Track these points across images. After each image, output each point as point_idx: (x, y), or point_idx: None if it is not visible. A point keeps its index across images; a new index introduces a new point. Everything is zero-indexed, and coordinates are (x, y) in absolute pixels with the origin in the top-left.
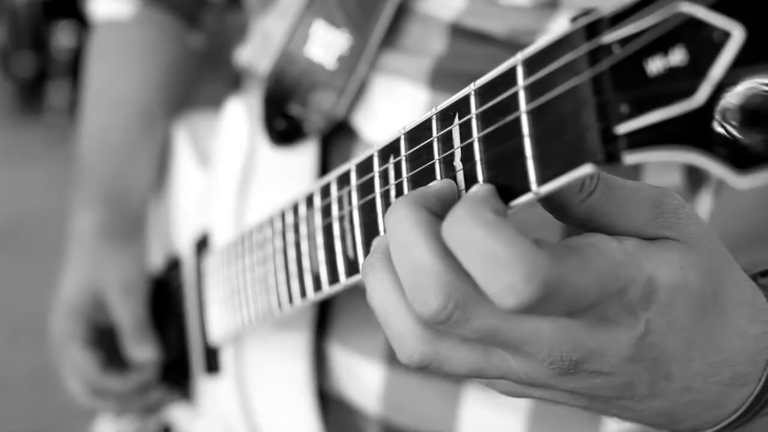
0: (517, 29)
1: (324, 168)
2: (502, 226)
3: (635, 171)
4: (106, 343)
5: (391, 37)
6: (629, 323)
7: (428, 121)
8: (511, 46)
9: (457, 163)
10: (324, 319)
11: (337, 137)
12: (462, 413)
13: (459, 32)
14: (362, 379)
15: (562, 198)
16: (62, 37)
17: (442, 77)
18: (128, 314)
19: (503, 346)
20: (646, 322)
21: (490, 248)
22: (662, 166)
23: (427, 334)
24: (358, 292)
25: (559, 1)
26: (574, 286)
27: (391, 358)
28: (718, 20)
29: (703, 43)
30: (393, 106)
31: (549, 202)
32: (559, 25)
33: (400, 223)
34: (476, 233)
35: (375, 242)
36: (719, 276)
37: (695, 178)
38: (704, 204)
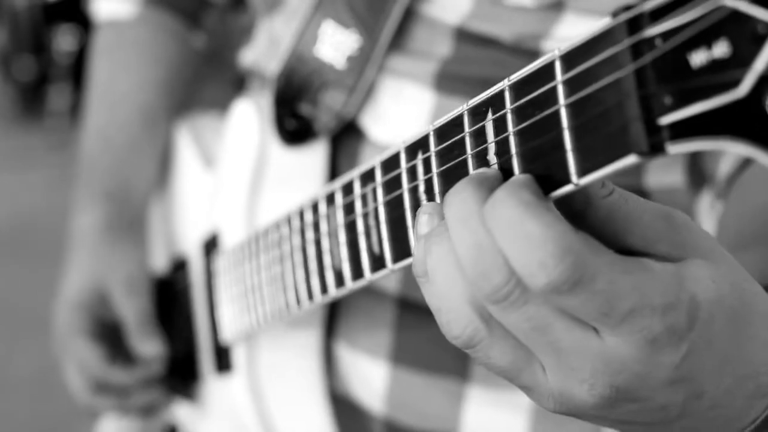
0: (523, 33)
1: (333, 167)
2: (540, 207)
3: (637, 170)
4: (109, 339)
5: (399, 39)
6: (675, 344)
7: (459, 117)
8: (517, 50)
9: (491, 157)
10: (331, 318)
11: (344, 137)
12: (465, 412)
13: (464, 36)
14: (367, 378)
15: (588, 193)
16: (63, 40)
17: (447, 80)
18: (133, 310)
19: (550, 347)
20: (689, 342)
21: (526, 227)
22: (664, 165)
23: (484, 313)
24: (365, 292)
25: (564, 1)
26: (609, 281)
27: (396, 358)
28: (761, 13)
29: (746, 35)
30: (400, 107)
31: (573, 200)
32: (564, 29)
33: (465, 202)
34: (514, 212)
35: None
36: (743, 287)
37: (697, 178)
38: (706, 204)
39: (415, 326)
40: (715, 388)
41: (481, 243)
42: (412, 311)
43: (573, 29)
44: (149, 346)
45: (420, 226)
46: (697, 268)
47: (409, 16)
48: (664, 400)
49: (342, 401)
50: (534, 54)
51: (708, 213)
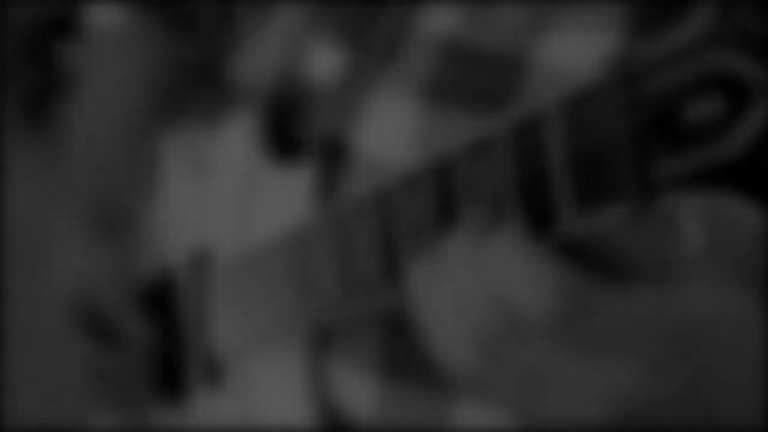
0: (510, 46)
1: (322, 186)
2: (534, 248)
3: None
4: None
5: (387, 54)
6: (674, 364)
7: (453, 156)
8: (505, 63)
9: (485, 200)
10: (321, 333)
11: (333, 154)
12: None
13: (453, 49)
14: (357, 390)
15: None
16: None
17: (435, 93)
18: (114, 299)
19: (552, 386)
20: (689, 360)
21: (522, 268)
22: None
23: None
24: None
25: (553, 15)
26: (610, 313)
27: (385, 370)
28: (755, 70)
29: (739, 92)
30: (386, 122)
31: None
32: (553, 43)
33: (457, 252)
34: (508, 254)
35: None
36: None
37: None
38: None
39: (404, 340)
40: (723, 400)
41: (474, 290)
42: (402, 326)
43: (562, 44)
44: (134, 326)
45: None
46: (687, 288)
47: (398, 29)
48: (678, 417)
49: (332, 414)
50: (523, 67)
51: (695, 214)
